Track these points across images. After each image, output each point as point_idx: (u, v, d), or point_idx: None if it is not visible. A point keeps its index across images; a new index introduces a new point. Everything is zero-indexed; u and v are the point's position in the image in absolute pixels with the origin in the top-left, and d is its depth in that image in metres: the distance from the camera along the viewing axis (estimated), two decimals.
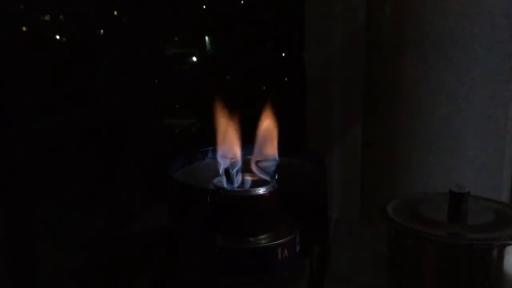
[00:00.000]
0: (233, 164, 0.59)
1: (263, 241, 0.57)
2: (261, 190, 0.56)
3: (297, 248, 0.59)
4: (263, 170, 0.60)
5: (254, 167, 0.60)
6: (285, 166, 0.65)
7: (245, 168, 0.60)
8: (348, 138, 0.86)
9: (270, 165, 0.59)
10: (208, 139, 0.62)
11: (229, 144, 0.60)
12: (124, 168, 0.82)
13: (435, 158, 0.79)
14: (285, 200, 0.59)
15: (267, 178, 0.59)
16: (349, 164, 0.86)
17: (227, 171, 0.56)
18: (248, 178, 0.60)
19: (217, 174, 0.62)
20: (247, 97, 0.62)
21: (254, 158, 0.60)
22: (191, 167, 0.65)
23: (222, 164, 0.60)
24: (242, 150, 0.60)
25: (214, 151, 0.63)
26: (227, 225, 0.56)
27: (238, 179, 0.57)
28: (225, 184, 0.57)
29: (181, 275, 0.55)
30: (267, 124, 0.61)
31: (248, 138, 0.61)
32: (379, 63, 0.84)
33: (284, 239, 0.57)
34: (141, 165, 0.86)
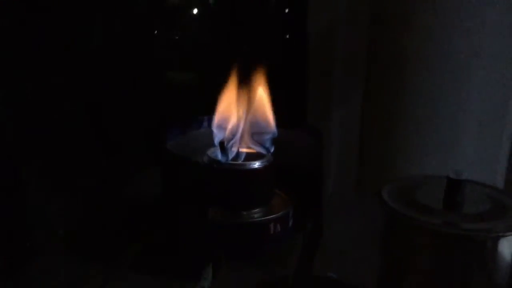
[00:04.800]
0: (229, 136, 0.57)
1: (256, 215, 0.56)
2: (256, 164, 0.55)
3: (290, 223, 0.58)
4: (258, 143, 0.58)
5: (249, 140, 0.59)
6: (281, 138, 0.64)
7: (241, 139, 0.58)
8: (349, 112, 0.85)
9: (266, 138, 0.58)
10: (209, 98, 0.60)
11: (227, 114, 0.58)
12: (118, 128, 0.81)
13: (433, 140, 0.77)
14: (280, 173, 0.59)
15: (262, 151, 0.58)
16: (348, 138, 0.84)
17: (222, 144, 0.55)
18: (243, 150, 0.59)
19: (212, 144, 0.61)
20: (246, 65, 0.60)
21: (249, 130, 0.59)
22: (186, 136, 0.64)
23: (218, 136, 0.59)
24: (240, 121, 0.59)
25: (210, 120, 0.62)
26: (220, 199, 0.56)
27: (233, 152, 0.56)
28: (219, 157, 0.55)
29: (173, 246, 0.55)
30: (262, 94, 0.59)
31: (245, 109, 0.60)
32: (382, 37, 0.82)
33: (277, 214, 0.56)
34: (137, 124, 0.84)
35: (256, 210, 0.56)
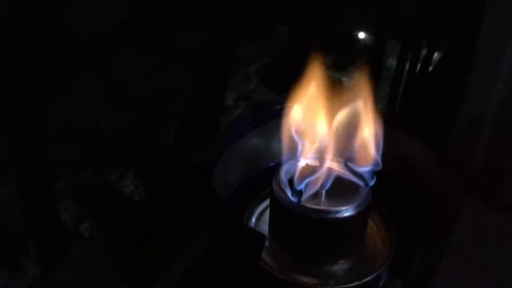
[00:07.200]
0: (307, 166, 0.39)
1: (331, 270, 0.40)
2: (346, 212, 0.38)
3: (381, 284, 0.42)
4: (354, 172, 0.40)
5: (342, 166, 0.40)
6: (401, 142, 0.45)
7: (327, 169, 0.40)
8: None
9: (367, 170, 0.40)
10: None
11: (309, 124, 0.40)
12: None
13: None
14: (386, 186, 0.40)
15: (358, 182, 0.40)
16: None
17: (291, 183, 0.38)
18: (332, 167, 0.41)
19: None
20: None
21: (342, 153, 0.40)
22: (263, 129, 0.47)
23: (299, 144, 0.41)
24: (328, 141, 0.40)
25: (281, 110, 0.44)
26: (287, 245, 0.40)
27: (310, 190, 0.39)
28: (290, 195, 0.39)
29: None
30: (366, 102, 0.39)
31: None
32: None
33: (360, 281, 0.39)
34: None
35: (334, 264, 0.41)
